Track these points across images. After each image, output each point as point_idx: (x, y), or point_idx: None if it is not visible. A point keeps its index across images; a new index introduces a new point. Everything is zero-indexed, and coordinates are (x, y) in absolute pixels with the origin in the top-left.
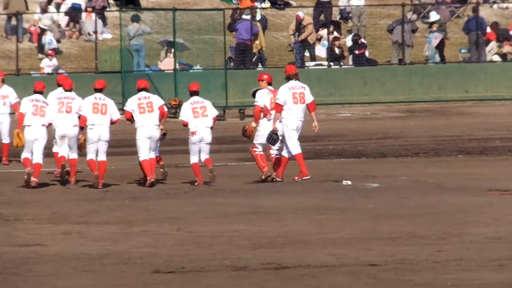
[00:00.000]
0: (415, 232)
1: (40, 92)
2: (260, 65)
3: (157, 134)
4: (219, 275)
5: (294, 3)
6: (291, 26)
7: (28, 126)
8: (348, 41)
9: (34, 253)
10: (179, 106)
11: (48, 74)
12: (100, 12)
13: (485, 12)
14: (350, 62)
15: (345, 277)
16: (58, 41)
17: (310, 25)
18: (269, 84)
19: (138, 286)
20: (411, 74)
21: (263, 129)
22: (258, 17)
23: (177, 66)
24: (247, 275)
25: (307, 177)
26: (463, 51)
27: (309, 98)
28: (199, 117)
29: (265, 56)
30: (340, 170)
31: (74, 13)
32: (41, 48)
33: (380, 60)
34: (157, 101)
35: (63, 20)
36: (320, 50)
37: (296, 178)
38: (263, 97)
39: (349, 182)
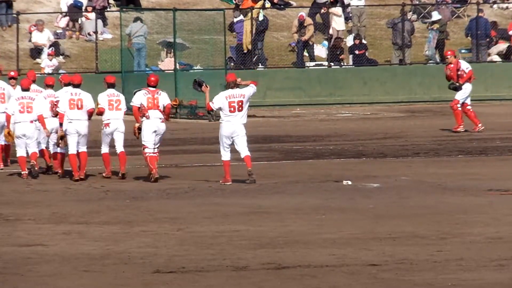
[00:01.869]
0: (415, 232)
1: (27, 89)
2: (260, 65)
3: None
4: (219, 275)
5: (294, 3)
6: (293, 27)
7: (18, 123)
8: (348, 41)
9: (34, 253)
10: (179, 106)
11: (49, 74)
12: (100, 12)
13: (485, 12)
14: (350, 62)
15: (345, 277)
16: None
17: (311, 26)
18: (153, 86)
19: (138, 286)
20: (411, 74)
21: (146, 128)
22: (260, 18)
23: (178, 66)
24: (247, 275)
25: (229, 183)
26: (463, 51)
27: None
28: (113, 109)
29: (265, 56)
30: (340, 170)
31: (74, 11)
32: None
33: (380, 60)
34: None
35: (62, 21)
36: (320, 50)
37: (221, 181)
38: (139, 98)
39: (349, 182)
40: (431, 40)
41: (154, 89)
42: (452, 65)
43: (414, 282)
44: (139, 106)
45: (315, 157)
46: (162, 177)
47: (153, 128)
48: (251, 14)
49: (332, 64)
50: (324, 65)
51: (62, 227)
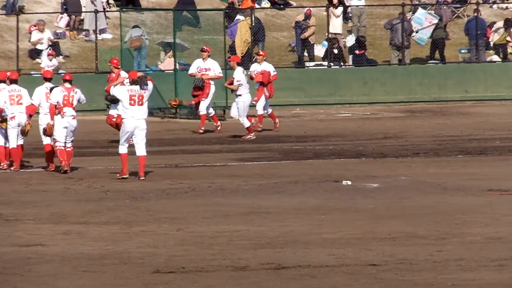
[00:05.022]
0: (415, 232)
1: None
2: None
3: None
4: (219, 275)
5: (294, 3)
6: (297, 18)
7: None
8: (348, 41)
9: (34, 253)
10: (179, 106)
11: None
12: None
13: (484, 12)
14: (350, 62)
15: (345, 277)
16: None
17: (313, 26)
18: (69, 82)
19: (138, 286)
20: (411, 74)
21: (57, 124)
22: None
23: (177, 67)
24: (247, 275)
25: (125, 176)
26: (463, 51)
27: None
28: (15, 104)
29: None
30: (340, 170)
31: (74, 9)
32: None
33: (380, 60)
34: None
35: (62, 21)
36: (320, 50)
37: (118, 176)
38: (56, 95)
39: (349, 182)
40: (422, 21)
41: (70, 86)
42: (114, 75)
43: (414, 282)
44: (56, 103)
45: (315, 157)
46: (162, 177)
47: (64, 124)
48: (251, 15)
49: (332, 64)
50: (324, 65)
51: (62, 227)
